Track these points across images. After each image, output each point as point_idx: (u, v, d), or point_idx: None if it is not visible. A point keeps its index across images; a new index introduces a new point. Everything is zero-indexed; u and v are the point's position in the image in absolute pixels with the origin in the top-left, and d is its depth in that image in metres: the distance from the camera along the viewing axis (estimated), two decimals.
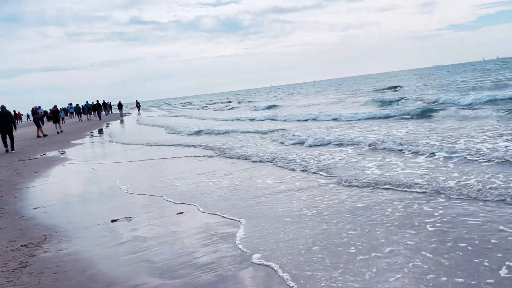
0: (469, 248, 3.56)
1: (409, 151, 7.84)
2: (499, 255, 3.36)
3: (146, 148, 13.78)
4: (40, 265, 4.18)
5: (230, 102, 48.78)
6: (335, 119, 16.12)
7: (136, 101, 56.02)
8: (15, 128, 16.92)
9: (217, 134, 15.48)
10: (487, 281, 3.01)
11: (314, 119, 17.21)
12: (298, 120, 17.77)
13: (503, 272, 3.11)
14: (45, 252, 4.59)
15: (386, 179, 6.08)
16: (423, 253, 3.56)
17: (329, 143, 9.96)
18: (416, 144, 8.22)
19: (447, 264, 3.32)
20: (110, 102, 53.79)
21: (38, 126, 23.41)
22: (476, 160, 6.49)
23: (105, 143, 17.33)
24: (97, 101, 44.18)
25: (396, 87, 33.17)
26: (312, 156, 8.66)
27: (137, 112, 52.18)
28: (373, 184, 5.93)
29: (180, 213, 5.66)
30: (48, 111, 34.85)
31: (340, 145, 9.63)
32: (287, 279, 3.36)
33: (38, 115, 24.96)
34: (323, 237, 4.17)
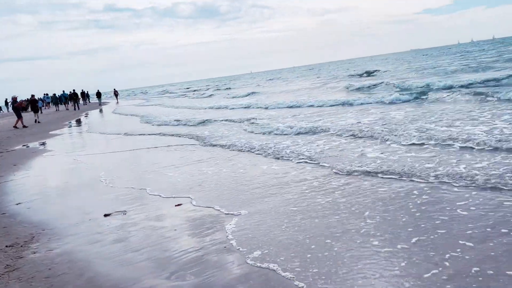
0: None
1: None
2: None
3: (126, 138, 13.20)
4: (29, 268, 3.74)
5: (207, 89, 47.94)
6: (311, 106, 15.76)
7: (114, 89, 54.72)
8: None
9: (197, 124, 14.66)
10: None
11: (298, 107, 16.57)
12: (278, 108, 17.11)
13: None
14: (34, 253, 4.14)
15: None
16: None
17: (307, 132, 9.59)
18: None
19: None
20: (88, 92, 52.30)
21: (19, 117, 21.75)
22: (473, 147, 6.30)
23: (85, 133, 16.64)
24: (74, 90, 42.70)
25: (374, 71, 32.91)
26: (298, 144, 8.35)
27: (115, 101, 51.01)
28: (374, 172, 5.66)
29: (178, 204, 5.27)
30: (24, 102, 33.41)
31: (314, 133, 9.31)
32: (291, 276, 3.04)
33: (18, 103, 22.72)
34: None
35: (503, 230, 3.38)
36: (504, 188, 4.31)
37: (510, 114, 8.16)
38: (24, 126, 21.46)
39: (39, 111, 28.42)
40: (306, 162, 6.72)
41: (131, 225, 4.71)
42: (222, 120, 14.41)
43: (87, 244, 4.23)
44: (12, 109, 23.64)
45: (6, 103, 46.76)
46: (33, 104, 25.34)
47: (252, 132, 10.78)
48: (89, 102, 52.96)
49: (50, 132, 17.74)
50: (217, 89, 45.98)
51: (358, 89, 20.41)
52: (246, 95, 29.03)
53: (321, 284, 2.93)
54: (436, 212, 3.93)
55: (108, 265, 3.66)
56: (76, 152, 11.26)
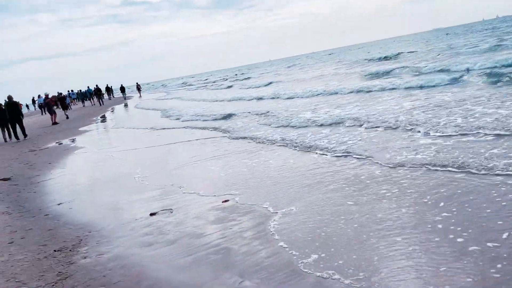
0: None
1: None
2: None
3: (154, 132, 13.05)
4: (83, 275, 3.54)
5: (226, 80, 47.33)
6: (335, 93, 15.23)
7: (137, 83, 54.91)
8: (23, 116, 17.01)
9: (219, 118, 14.27)
10: None
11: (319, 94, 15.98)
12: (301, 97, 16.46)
13: None
14: (85, 257, 3.94)
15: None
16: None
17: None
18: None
19: None
20: (111, 86, 52.73)
21: (53, 113, 22.05)
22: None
23: (113, 129, 16.62)
24: (97, 85, 42.90)
25: (397, 54, 31.33)
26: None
27: (138, 95, 51.26)
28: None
29: (225, 201, 5.02)
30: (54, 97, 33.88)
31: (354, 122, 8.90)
32: None
33: (49, 99, 23.16)
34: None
35: None
36: None
37: None
38: (55, 123, 21.66)
39: (68, 108, 28.83)
40: (348, 154, 6.33)
41: (179, 224, 4.49)
42: (247, 113, 13.97)
43: (138, 247, 4.02)
44: (45, 105, 24.14)
45: (34, 101, 47.45)
46: (62, 101, 25.64)
47: (281, 125, 10.17)
48: (113, 96, 53.44)
49: (80, 129, 17.80)
50: (236, 80, 45.48)
51: (384, 73, 19.48)
52: (266, 85, 28.41)
53: None
54: None
55: (166, 270, 3.43)
56: (108, 148, 11.17)
